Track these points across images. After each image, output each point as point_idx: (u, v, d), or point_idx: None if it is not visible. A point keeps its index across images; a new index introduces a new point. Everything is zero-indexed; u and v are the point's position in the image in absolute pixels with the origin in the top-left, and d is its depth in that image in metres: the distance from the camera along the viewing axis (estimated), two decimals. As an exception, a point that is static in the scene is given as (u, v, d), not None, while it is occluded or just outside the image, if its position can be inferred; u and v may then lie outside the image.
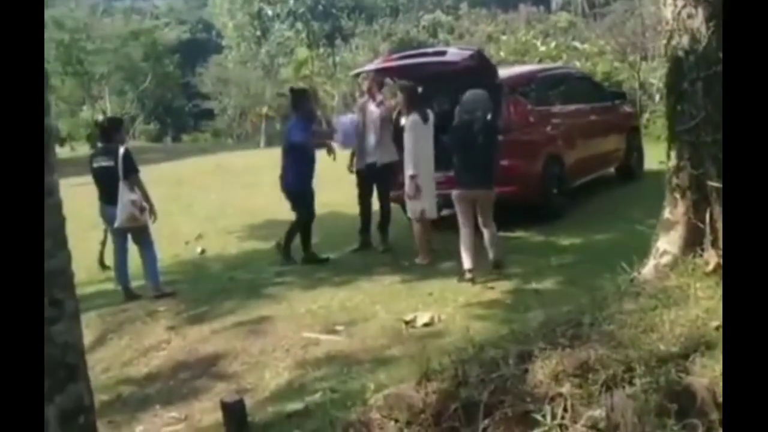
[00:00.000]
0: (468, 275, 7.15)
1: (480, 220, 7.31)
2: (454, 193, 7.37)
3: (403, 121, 8.27)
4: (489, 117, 7.23)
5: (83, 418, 2.31)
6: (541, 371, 3.29)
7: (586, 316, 3.55)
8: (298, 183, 8.36)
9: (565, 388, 3.14)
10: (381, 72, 9.44)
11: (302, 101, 8.67)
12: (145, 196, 7.59)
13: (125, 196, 7.40)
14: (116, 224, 7.49)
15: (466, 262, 7.20)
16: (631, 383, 2.96)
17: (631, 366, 3.01)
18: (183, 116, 44.67)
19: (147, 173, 17.45)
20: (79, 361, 2.33)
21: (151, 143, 38.83)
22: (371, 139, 8.65)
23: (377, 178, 8.73)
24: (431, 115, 8.04)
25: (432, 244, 8.16)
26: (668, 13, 4.60)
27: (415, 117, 7.88)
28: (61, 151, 36.63)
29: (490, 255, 7.38)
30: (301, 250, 8.60)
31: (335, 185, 10.20)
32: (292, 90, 9.56)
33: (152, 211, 7.64)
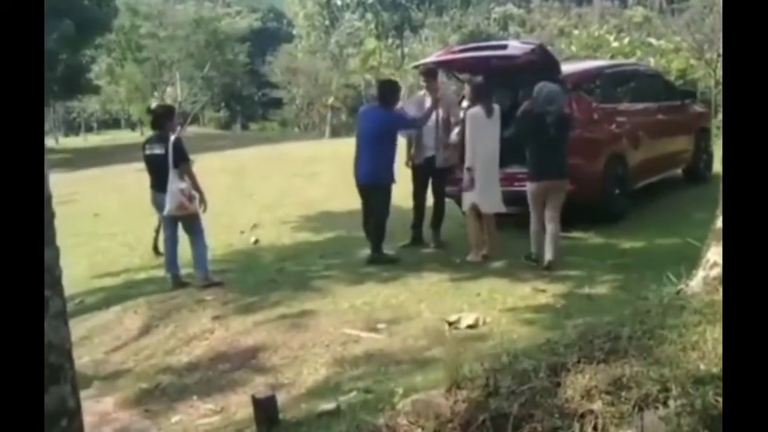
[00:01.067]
0: (534, 257, 7.42)
1: (547, 213, 7.35)
2: (528, 184, 7.47)
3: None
4: (562, 110, 7.43)
5: (66, 421, 2.24)
6: (573, 386, 3.11)
7: (626, 329, 3.35)
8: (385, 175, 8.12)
9: (597, 405, 2.96)
10: (441, 65, 9.28)
11: (393, 94, 8.45)
12: (195, 185, 7.61)
13: (174, 184, 7.43)
14: (165, 212, 7.54)
15: (534, 247, 7.45)
16: (665, 404, 2.77)
17: (667, 386, 2.82)
18: (252, 105, 45.32)
19: (212, 160, 17.93)
20: (64, 361, 2.26)
21: (219, 130, 39.51)
22: (430, 134, 8.49)
23: (434, 173, 8.58)
24: (496, 110, 7.86)
25: (494, 240, 7.98)
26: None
27: (477, 110, 7.73)
28: (132, 136, 37.66)
29: (547, 254, 7.26)
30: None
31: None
32: (382, 82, 9.44)
33: (202, 200, 7.65)
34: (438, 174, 8.57)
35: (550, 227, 7.32)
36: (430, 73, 8.76)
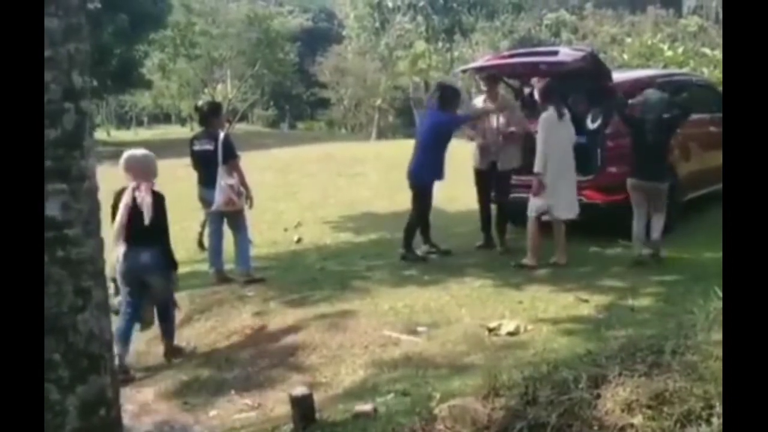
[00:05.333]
0: (644, 253, 7.75)
1: (651, 208, 7.78)
2: (629, 181, 7.78)
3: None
4: (666, 116, 7.76)
5: (104, 410, 2.26)
6: (613, 398, 3.07)
7: (669, 343, 3.29)
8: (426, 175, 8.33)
9: (637, 419, 2.92)
10: (491, 69, 9.22)
11: (454, 99, 8.56)
12: (243, 182, 7.68)
13: (223, 180, 7.50)
14: (213, 207, 7.61)
15: (636, 248, 7.80)
16: (708, 421, 2.72)
17: (711, 403, 2.76)
18: (300, 104, 45.58)
19: (259, 158, 18.05)
20: (104, 352, 2.29)
21: (267, 129, 39.81)
22: (493, 140, 8.50)
23: (497, 177, 8.60)
24: (567, 112, 7.81)
25: (563, 247, 7.96)
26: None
27: (550, 113, 7.69)
28: (182, 131, 38.14)
29: (654, 234, 7.77)
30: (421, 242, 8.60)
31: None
32: (443, 86, 9.48)
33: (249, 197, 7.72)
34: (501, 178, 8.56)
35: (655, 218, 7.79)
36: (491, 78, 8.71)
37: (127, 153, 6.20)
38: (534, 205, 7.82)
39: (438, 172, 8.26)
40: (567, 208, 7.82)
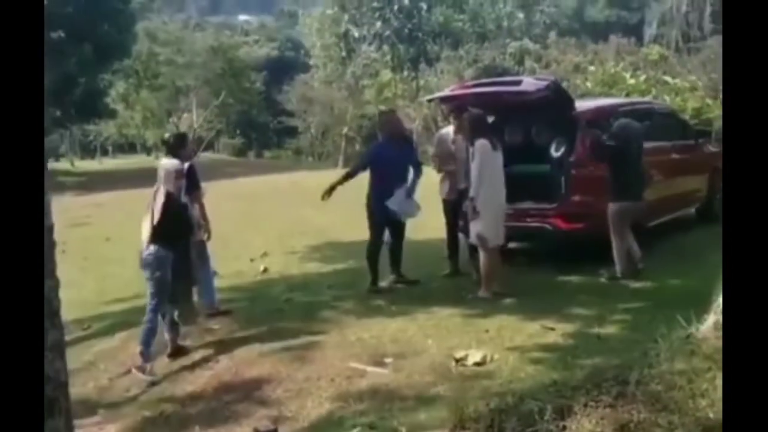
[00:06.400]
0: (619, 275, 8.05)
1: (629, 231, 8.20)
2: (618, 206, 8.08)
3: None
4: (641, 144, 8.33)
5: (59, 454, 2.21)
6: (578, 430, 3.06)
7: (634, 373, 3.29)
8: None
9: (603, 452, 2.91)
10: (454, 99, 9.28)
11: (389, 122, 8.61)
12: (203, 213, 7.60)
13: None
14: None
15: (618, 265, 8.07)
16: (673, 454, 2.72)
17: (675, 434, 2.77)
18: (267, 133, 45.51)
19: (224, 187, 17.94)
20: (60, 395, 2.23)
21: (234, 158, 39.68)
22: (462, 169, 8.50)
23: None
24: (499, 144, 7.86)
25: (501, 275, 7.92)
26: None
27: (483, 141, 7.70)
28: (147, 160, 37.85)
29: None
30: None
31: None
32: (381, 112, 9.52)
33: (207, 229, 7.64)
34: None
35: (632, 241, 8.21)
36: (458, 109, 8.75)
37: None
38: (473, 230, 7.83)
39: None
40: (498, 236, 7.81)
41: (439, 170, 8.92)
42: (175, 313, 6.85)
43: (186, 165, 7.57)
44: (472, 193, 7.67)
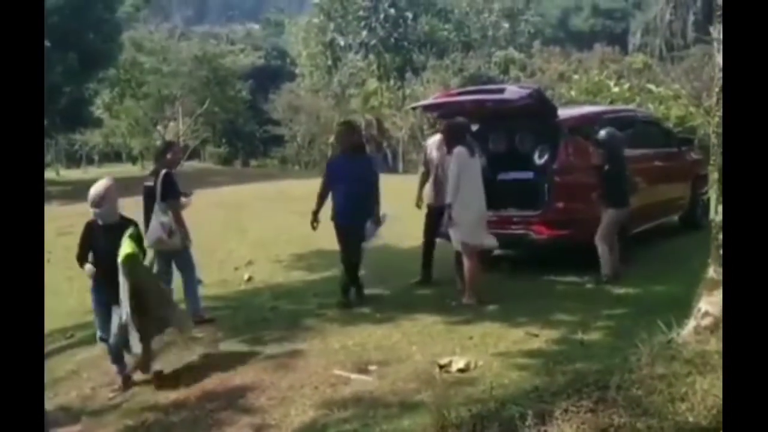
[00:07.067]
0: (604, 279, 8.22)
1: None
2: (612, 213, 8.31)
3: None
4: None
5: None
6: (559, 436, 3.07)
7: (615, 378, 3.31)
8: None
9: (583, 457, 2.92)
10: (438, 107, 9.32)
11: (343, 134, 8.59)
12: (178, 221, 7.51)
13: (157, 217, 7.39)
14: (145, 244, 7.39)
15: (605, 269, 8.25)
16: (652, 457, 2.74)
17: (655, 438, 2.78)
18: (253, 141, 45.39)
19: (210, 196, 17.89)
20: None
21: (220, 166, 39.59)
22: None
23: None
24: (478, 152, 7.90)
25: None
26: (721, 59, 4.27)
27: (461, 149, 7.73)
28: (133, 170, 37.72)
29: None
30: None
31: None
32: (337, 124, 9.50)
33: (186, 237, 7.59)
34: None
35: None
36: (448, 117, 8.75)
37: None
38: (454, 237, 7.86)
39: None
40: (483, 237, 7.84)
41: (425, 178, 8.90)
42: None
43: (163, 172, 7.54)
44: (448, 199, 7.72)
